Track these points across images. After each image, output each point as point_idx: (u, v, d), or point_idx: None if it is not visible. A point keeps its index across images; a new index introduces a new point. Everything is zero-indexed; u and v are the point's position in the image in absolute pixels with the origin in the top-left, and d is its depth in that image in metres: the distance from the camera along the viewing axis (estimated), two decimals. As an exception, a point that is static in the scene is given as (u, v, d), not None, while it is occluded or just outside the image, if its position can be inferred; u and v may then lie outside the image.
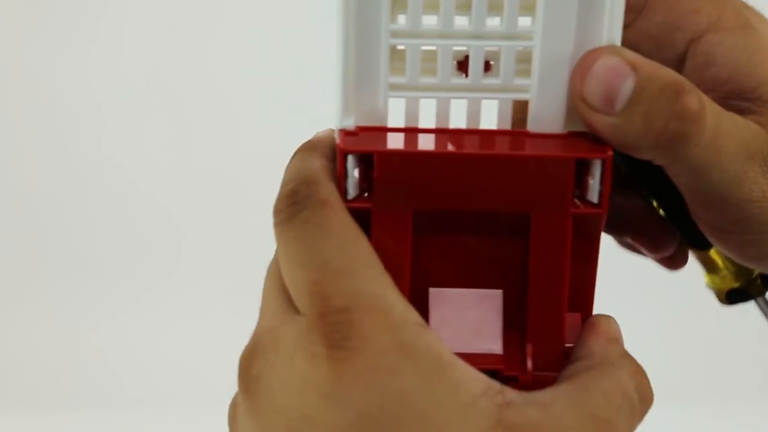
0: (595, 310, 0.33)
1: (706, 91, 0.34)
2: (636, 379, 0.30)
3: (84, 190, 1.43)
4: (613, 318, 0.33)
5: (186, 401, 1.33)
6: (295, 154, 0.32)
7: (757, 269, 0.40)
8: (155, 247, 1.44)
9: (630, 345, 0.32)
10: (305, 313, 0.28)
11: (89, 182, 1.43)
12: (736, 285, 0.41)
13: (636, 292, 1.29)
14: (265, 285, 0.31)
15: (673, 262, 0.41)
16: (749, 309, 0.41)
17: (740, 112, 0.34)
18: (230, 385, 0.32)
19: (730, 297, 0.42)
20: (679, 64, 0.34)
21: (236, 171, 1.42)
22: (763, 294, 0.41)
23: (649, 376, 0.31)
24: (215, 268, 1.45)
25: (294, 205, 0.29)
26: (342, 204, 0.30)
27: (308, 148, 0.32)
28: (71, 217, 1.43)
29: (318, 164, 0.31)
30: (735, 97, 0.34)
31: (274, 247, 0.31)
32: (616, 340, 0.32)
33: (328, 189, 0.30)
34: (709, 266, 0.41)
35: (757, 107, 0.34)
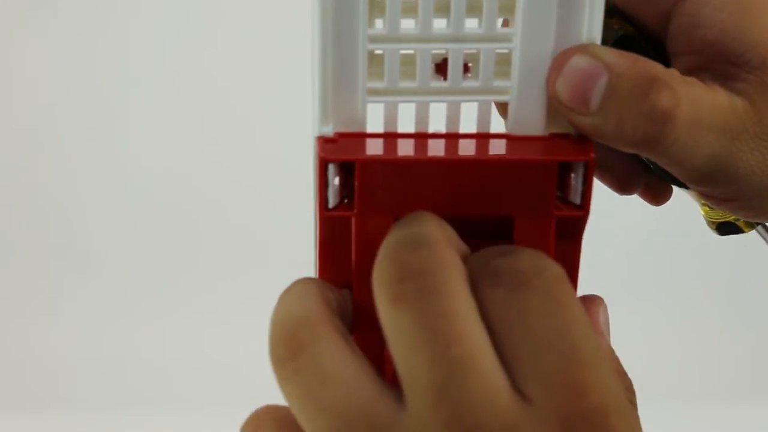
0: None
1: (693, 54, 0.33)
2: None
3: (92, 189, 1.42)
4: (603, 305, 0.32)
5: (191, 403, 1.33)
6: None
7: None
8: (159, 248, 1.44)
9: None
10: (551, 404, 0.25)
11: (95, 182, 1.42)
12: (729, 218, 0.42)
13: (636, 291, 1.28)
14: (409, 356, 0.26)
15: (656, 197, 0.40)
16: (751, 308, 0.42)
17: (727, 78, 0.33)
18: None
19: (721, 229, 0.42)
20: (663, 22, 0.33)
21: (246, 171, 1.42)
22: (753, 228, 0.42)
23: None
24: (219, 270, 1.45)
25: (538, 275, 0.26)
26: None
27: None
28: (76, 216, 1.43)
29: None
30: (722, 61, 0.33)
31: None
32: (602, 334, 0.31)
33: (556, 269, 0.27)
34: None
35: (745, 73, 0.32)
